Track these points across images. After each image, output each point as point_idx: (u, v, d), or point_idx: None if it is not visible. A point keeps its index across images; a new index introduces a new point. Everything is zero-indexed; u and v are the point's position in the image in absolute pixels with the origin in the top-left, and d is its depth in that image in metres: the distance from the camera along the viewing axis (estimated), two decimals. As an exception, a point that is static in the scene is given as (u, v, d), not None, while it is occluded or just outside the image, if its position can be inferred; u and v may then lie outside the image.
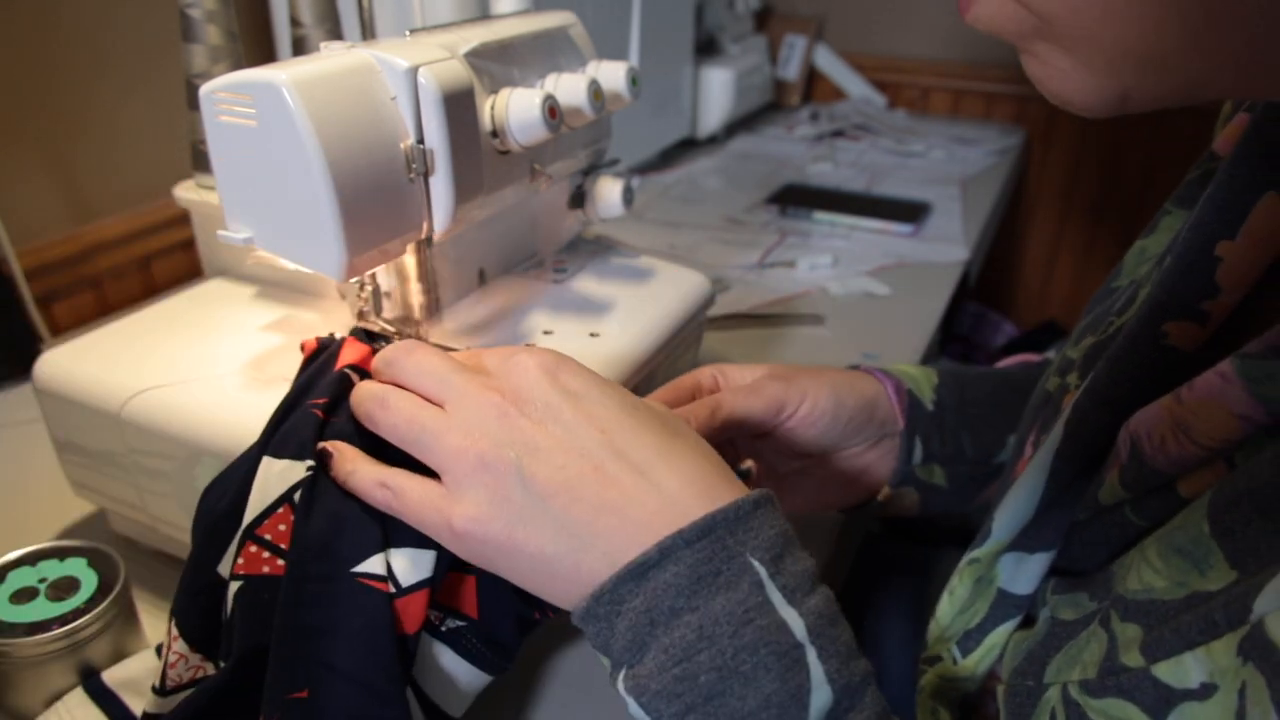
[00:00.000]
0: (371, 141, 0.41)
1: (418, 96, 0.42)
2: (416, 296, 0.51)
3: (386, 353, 0.39)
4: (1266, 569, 0.26)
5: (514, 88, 0.47)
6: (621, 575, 0.32)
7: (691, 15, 1.30)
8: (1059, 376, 0.44)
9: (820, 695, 0.30)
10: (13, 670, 0.40)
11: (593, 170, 0.60)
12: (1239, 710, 0.25)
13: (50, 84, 0.79)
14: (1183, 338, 0.35)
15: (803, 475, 0.52)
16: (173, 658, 0.39)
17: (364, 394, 0.38)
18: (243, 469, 0.38)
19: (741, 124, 1.53)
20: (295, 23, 0.62)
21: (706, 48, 1.44)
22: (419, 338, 0.50)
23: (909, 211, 1.13)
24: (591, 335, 0.53)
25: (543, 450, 0.33)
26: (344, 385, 0.40)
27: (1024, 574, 0.39)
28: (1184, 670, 0.27)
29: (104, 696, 0.41)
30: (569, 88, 0.49)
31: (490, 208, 0.49)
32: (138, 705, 0.41)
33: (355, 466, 0.36)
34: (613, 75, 0.53)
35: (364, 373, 0.41)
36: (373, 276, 0.48)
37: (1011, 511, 0.39)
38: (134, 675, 0.42)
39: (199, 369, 0.48)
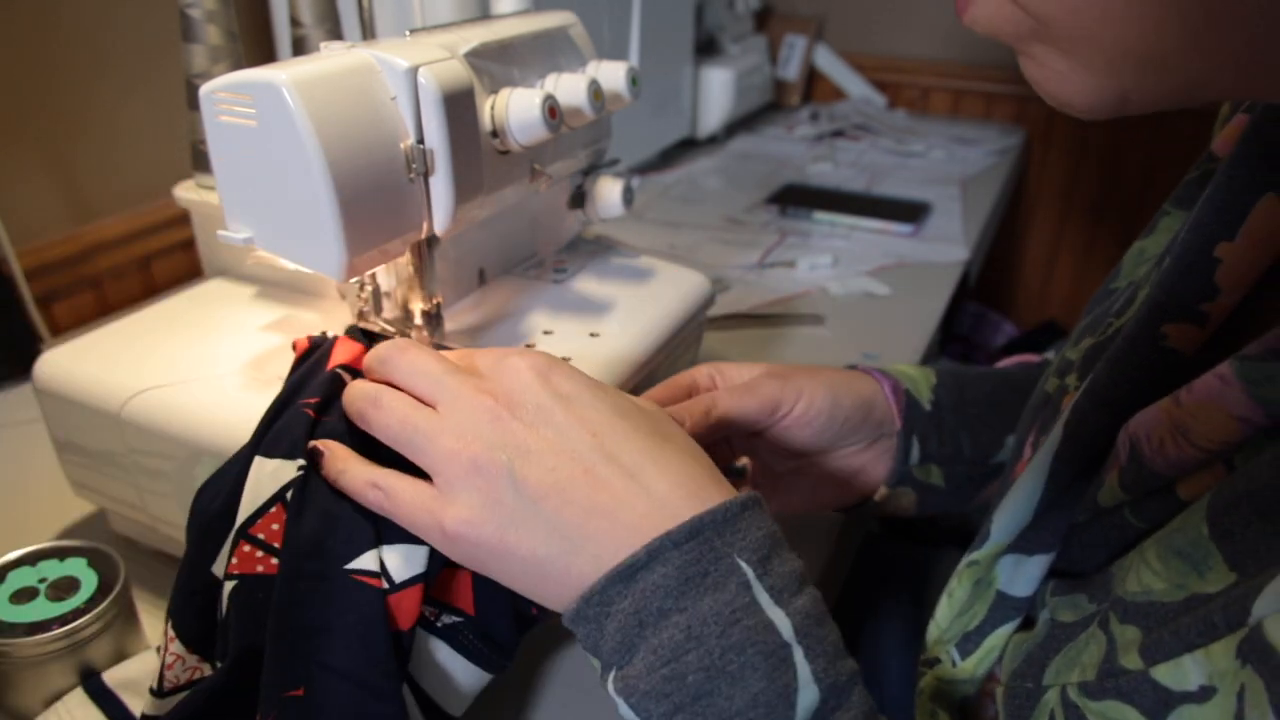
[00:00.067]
0: (371, 141, 0.41)
1: (418, 96, 0.42)
2: (416, 296, 0.51)
3: (379, 350, 0.39)
4: (1265, 571, 0.26)
5: (514, 88, 0.47)
6: (610, 577, 0.32)
7: (691, 15, 1.30)
8: (1058, 377, 0.44)
9: (807, 694, 0.30)
10: (13, 670, 0.40)
11: (593, 170, 0.60)
12: (1237, 713, 0.25)
13: (50, 84, 0.79)
14: (1182, 339, 0.35)
15: (799, 474, 0.52)
16: (170, 659, 0.39)
17: (356, 393, 0.38)
18: (235, 469, 0.39)
19: (741, 124, 1.53)
20: (295, 23, 0.62)
21: (706, 48, 1.44)
22: (419, 339, 0.50)
23: (909, 211, 1.13)
24: (591, 335, 0.53)
25: (534, 453, 0.34)
26: (336, 385, 0.40)
27: (1023, 576, 0.39)
28: (1183, 673, 0.27)
29: (104, 697, 0.41)
30: (569, 88, 0.49)
31: (490, 208, 0.49)
32: (138, 706, 0.41)
33: (346, 466, 0.37)
34: (613, 75, 0.53)
35: (356, 372, 0.41)
36: (373, 276, 0.48)
37: (1010, 513, 0.39)
38: (134, 676, 0.42)
39: (199, 369, 0.48)
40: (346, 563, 0.36)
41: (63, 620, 0.40)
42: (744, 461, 0.52)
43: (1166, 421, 0.32)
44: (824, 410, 0.48)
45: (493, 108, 0.46)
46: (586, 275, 0.60)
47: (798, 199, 1.16)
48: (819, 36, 1.68)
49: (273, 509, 0.37)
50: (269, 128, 0.39)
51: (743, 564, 0.32)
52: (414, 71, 0.42)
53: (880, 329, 0.85)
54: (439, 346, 0.48)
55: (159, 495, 0.47)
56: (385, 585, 0.36)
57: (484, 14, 0.65)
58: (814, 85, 1.71)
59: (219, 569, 0.38)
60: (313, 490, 0.37)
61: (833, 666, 0.31)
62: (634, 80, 0.54)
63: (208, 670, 0.39)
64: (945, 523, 0.74)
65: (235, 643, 0.36)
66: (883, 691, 0.56)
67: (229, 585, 0.37)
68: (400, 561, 0.36)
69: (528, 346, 0.52)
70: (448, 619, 0.38)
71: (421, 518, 0.35)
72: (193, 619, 0.39)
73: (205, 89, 0.40)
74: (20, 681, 0.41)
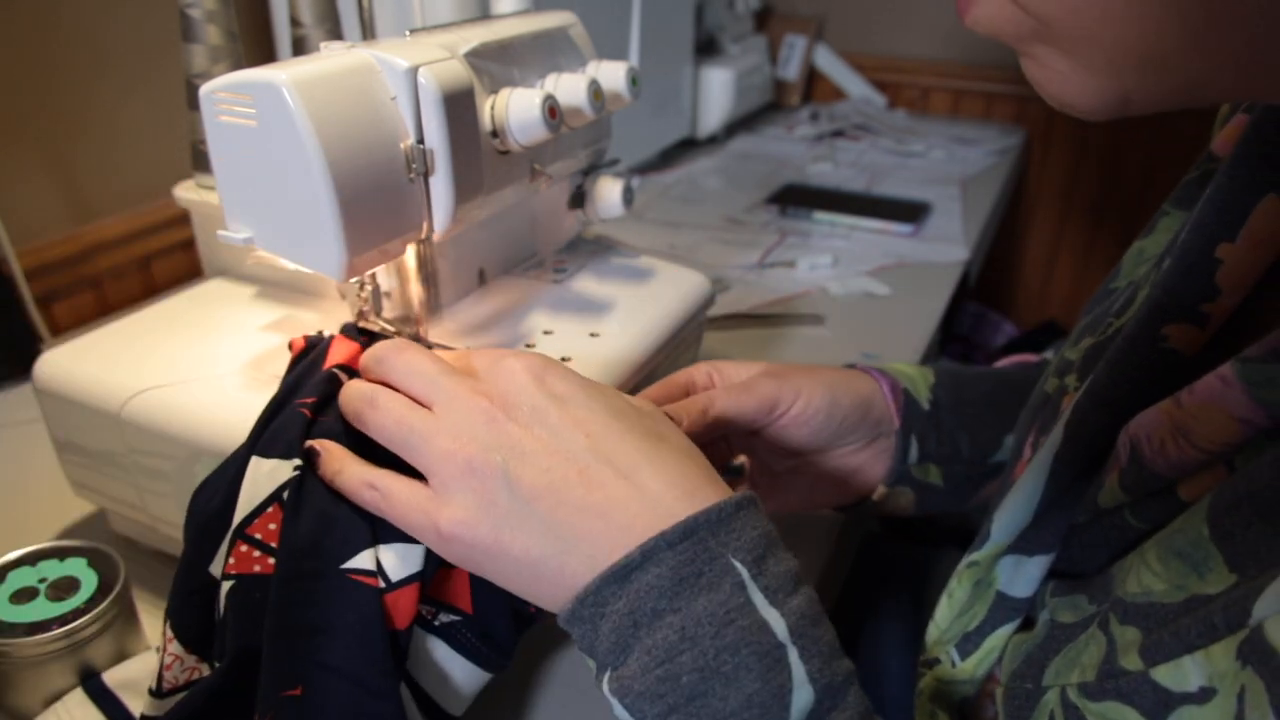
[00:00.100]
0: (371, 141, 0.41)
1: (418, 96, 0.42)
2: (416, 297, 0.51)
3: (376, 350, 0.39)
4: (1266, 573, 0.26)
5: (514, 88, 0.46)
6: (605, 577, 0.32)
7: (691, 15, 1.30)
8: (1057, 378, 0.44)
9: (802, 695, 0.30)
10: (13, 670, 0.40)
11: (593, 170, 0.60)
12: (1238, 714, 0.25)
13: (50, 84, 0.79)
14: (1182, 340, 0.35)
15: (797, 474, 0.52)
16: (168, 659, 0.39)
17: (353, 393, 0.38)
18: (232, 469, 0.39)
19: (741, 124, 1.53)
20: (295, 23, 0.62)
21: (706, 48, 1.44)
22: (419, 338, 0.50)
23: (909, 211, 1.13)
24: (591, 335, 0.53)
25: (529, 454, 0.34)
26: (333, 385, 0.40)
27: (1023, 577, 0.39)
28: (1183, 674, 0.27)
29: (103, 697, 0.41)
30: (569, 88, 0.49)
31: (490, 208, 0.49)
32: (137, 706, 0.41)
33: (343, 466, 0.37)
34: (613, 75, 0.53)
35: (352, 372, 0.41)
36: (373, 276, 0.48)
37: (1010, 514, 0.39)
38: (134, 676, 0.42)
39: (199, 369, 0.48)
40: (343, 562, 0.36)
41: (63, 620, 0.40)
42: (741, 460, 0.52)
43: (1167, 422, 0.32)
44: (822, 409, 0.48)
45: (493, 108, 0.46)
46: (586, 275, 0.60)
47: (798, 199, 1.16)
48: (819, 36, 1.68)
49: (269, 509, 0.37)
50: (269, 128, 0.39)
51: (737, 564, 0.32)
52: (414, 71, 0.42)
53: (880, 329, 0.85)
54: (437, 346, 0.48)
55: (159, 495, 0.47)
56: (381, 584, 0.36)
57: (484, 14, 0.65)
58: (814, 85, 1.71)
59: (216, 569, 0.38)
60: (309, 490, 0.37)
61: (828, 667, 0.31)
62: (634, 80, 0.54)
63: (206, 670, 0.39)
64: (945, 523, 0.74)
65: (233, 642, 0.36)
66: (883, 691, 0.56)
67: (226, 585, 0.37)
68: (396, 561, 0.36)
69: (528, 346, 0.52)
70: (446, 618, 0.38)
71: (416, 518, 0.35)
72: (191, 619, 0.39)
73: (205, 89, 0.40)
74: (20, 681, 0.41)
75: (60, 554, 0.44)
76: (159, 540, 0.52)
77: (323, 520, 0.36)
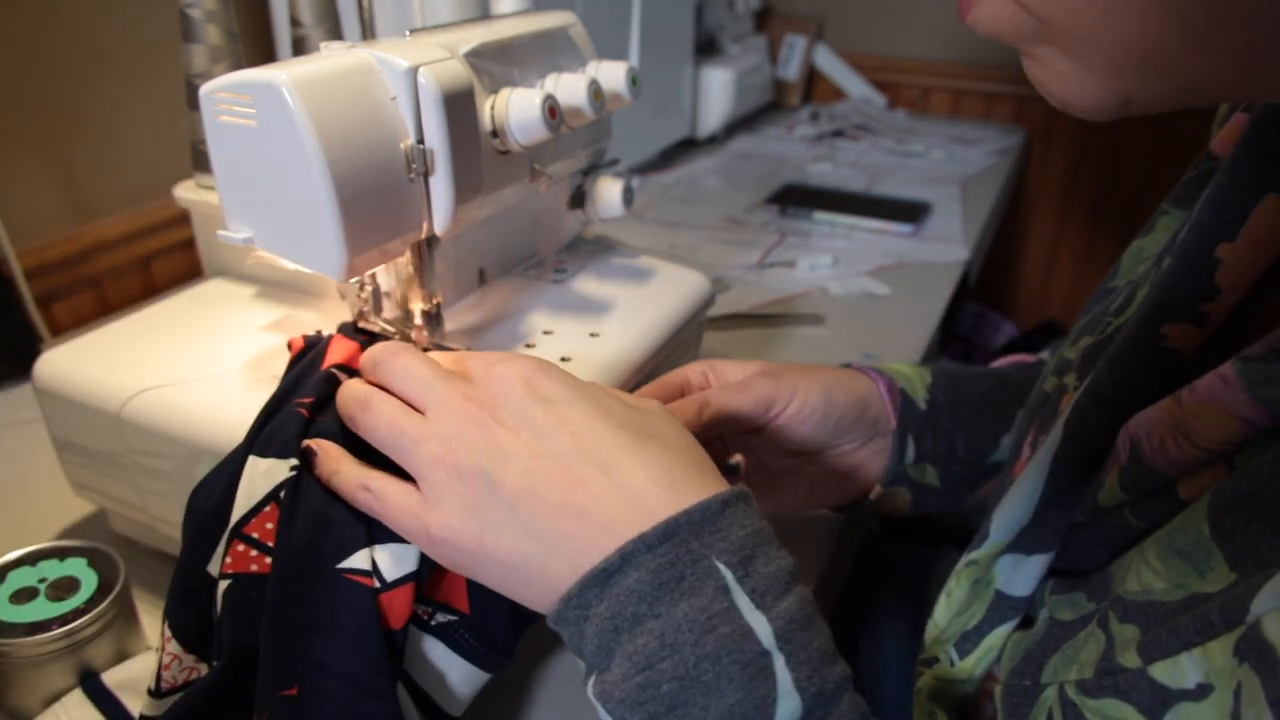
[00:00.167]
0: (371, 141, 0.41)
1: (418, 96, 0.42)
2: (416, 296, 0.51)
3: (373, 353, 0.39)
4: (1265, 571, 0.26)
5: (514, 88, 0.46)
6: (585, 580, 0.32)
7: (691, 15, 1.30)
8: (1056, 377, 0.44)
9: (787, 704, 0.30)
10: (13, 670, 0.40)
11: (593, 170, 0.60)
12: (1234, 711, 0.25)
13: (50, 84, 0.79)
14: (1182, 340, 0.35)
15: (793, 473, 0.51)
16: (166, 659, 0.39)
17: (348, 394, 0.38)
18: (230, 468, 0.39)
19: (741, 124, 1.53)
20: (295, 23, 0.62)
21: (706, 48, 1.44)
22: (418, 338, 0.50)
23: (909, 211, 1.13)
24: (591, 335, 0.53)
25: (512, 456, 0.34)
26: (330, 385, 0.40)
27: (1022, 576, 0.39)
28: (1180, 671, 0.27)
29: (102, 697, 0.41)
30: (569, 88, 0.49)
31: (490, 208, 0.49)
32: (137, 706, 0.41)
33: (339, 467, 0.37)
34: (613, 75, 0.53)
35: (352, 372, 0.41)
36: (373, 276, 0.48)
37: (1009, 513, 0.39)
38: (134, 676, 0.42)
39: (199, 369, 0.48)
40: (339, 561, 0.36)
41: (63, 620, 0.40)
42: (737, 459, 0.52)
43: (1167, 421, 0.32)
44: (818, 409, 0.48)
45: (493, 108, 0.46)
46: (586, 275, 0.60)
47: (798, 199, 1.16)
48: (819, 36, 1.68)
49: (266, 508, 0.37)
50: (269, 128, 0.39)
51: (721, 566, 0.31)
52: (414, 71, 0.42)
53: (880, 329, 0.85)
54: (438, 347, 0.48)
55: (159, 495, 0.47)
56: (377, 584, 0.36)
57: (484, 14, 0.65)
58: (814, 85, 1.71)
59: (214, 568, 0.38)
60: (305, 490, 0.37)
61: (817, 673, 0.31)
62: (634, 80, 0.54)
63: (205, 670, 0.39)
64: (944, 522, 0.74)
65: (230, 642, 0.36)
66: (883, 691, 0.56)
67: (223, 584, 0.37)
68: (391, 561, 0.37)
69: (528, 347, 0.52)
70: (442, 618, 0.38)
71: (408, 521, 0.35)
72: (189, 619, 0.39)
73: (205, 89, 0.40)
74: (20, 681, 0.41)
75: (60, 554, 0.44)
76: (159, 540, 0.52)
77: (319, 520, 0.36)
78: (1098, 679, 0.31)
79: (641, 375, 0.54)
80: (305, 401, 0.39)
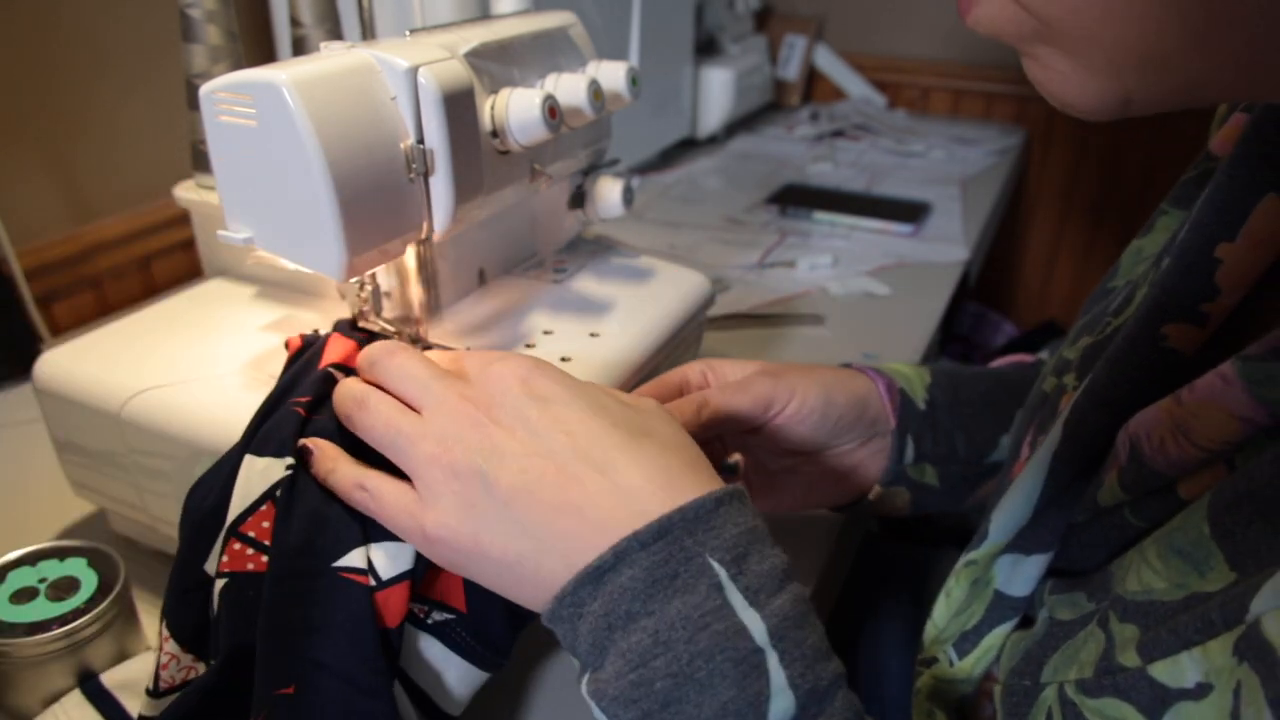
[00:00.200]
0: (371, 141, 0.41)
1: (418, 96, 0.42)
2: (416, 296, 0.51)
3: (370, 352, 0.39)
4: (1265, 570, 0.26)
5: (514, 88, 0.47)
6: (580, 579, 0.32)
7: (691, 15, 1.30)
8: (1055, 377, 0.44)
9: (781, 701, 0.30)
10: (13, 670, 0.40)
11: (593, 170, 0.60)
12: (1233, 710, 0.25)
13: (50, 84, 0.79)
14: (1182, 340, 0.35)
15: (792, 473, 0.51)
16: (164, 659, 0.39)
17: (344, 393, 0.39)
18: (226, 467, 0.39)
19: (741, 124, 1.53)
20: (295, 23, 0.62)
21: (706, 48, 1.44)
22: (418, 338, 0.50)
23: (909, 211, 1.13)
24: (591, 335, 0.53)
25: (508, 456, 0.34)
26: (327, 384, 0.41)
27: (1021, 576, 0.39)
28: (1180, 670, 0.27)
29: (101, 698, 0.41)
30: (569, 88, 0.49)
31: (490, 208, 0.49)
32: (135, 707, 0.41)
33: (335, 465, 0.37)
34: (613, 75, 0.53)
35: (349, 370, 0.42)
36: (373, 276, 0.48)
37: (1009, 513, 0.39)
38: (132, 677, 0.42)
39: (199, 369, 0.48)
40: (335, 560, 0.36)
41: (63, 620, 0.40)
42: (736, 458, 0.52)
43: (1167, 421, 0.32)
44: (817, 408, 0.48)
45: (493, 108, 0.46)
46: (586, 275, 0.60)
47: (798, 199, 1.16)
48: (819, 36, 1.68)
49: (263, 506, 0.37)
50: (269, 128, 0.39)
51: (714, 564, 0.31)
52: (414, 71, 0.42)
53: (880, 329, 0.85)
54: (436, 346, 0.48)
55: (159, 495, 0.47)
56: (372, 582, 0.36)
57: (484, 14, 0.65)
58: (814, 85, 1.71)
59: (211, 567, 0.38)
60: (301, 489, 0.37)
61: (811, 671, 0.30)
62: (634, 80, 0.54)
63: (202, 669, 0.39)
64: (944, 523, 0.74)
65: (226, 640, 0.36)
66: (883, 691, 0.56)
67: (220, 583, 0.37)
68: (386, 559, 0.37)
69: (528, 347, 0.52)
70: (439, 616, 0.38)
71: (404, 520, 0.35)
72: (187, 618, 0.39)
73: (205, 89, 0.40)
74: (20, 681, 0.41)
75: (60, 554, 0.44)
76: (159, 540, 0.52)
77: (315, 519, 0.37)
78: (1097, 678, 0.31)
79: (641, 375, 0.54)
80: (302, 401, 0.39)
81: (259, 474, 0.38)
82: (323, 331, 0.46)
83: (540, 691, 0.46)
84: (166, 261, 0.91)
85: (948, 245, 1.05)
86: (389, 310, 0.51)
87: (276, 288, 0.57)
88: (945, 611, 0.42)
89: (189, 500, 0.40)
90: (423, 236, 0.46)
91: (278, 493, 0.37)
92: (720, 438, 0.51)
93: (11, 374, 0.71)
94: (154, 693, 0.39)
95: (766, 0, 1.69)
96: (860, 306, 0.90)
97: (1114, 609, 0.32)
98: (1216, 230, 0.35)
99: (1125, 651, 0.30)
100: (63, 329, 0.81)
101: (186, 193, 0.60)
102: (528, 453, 0.34)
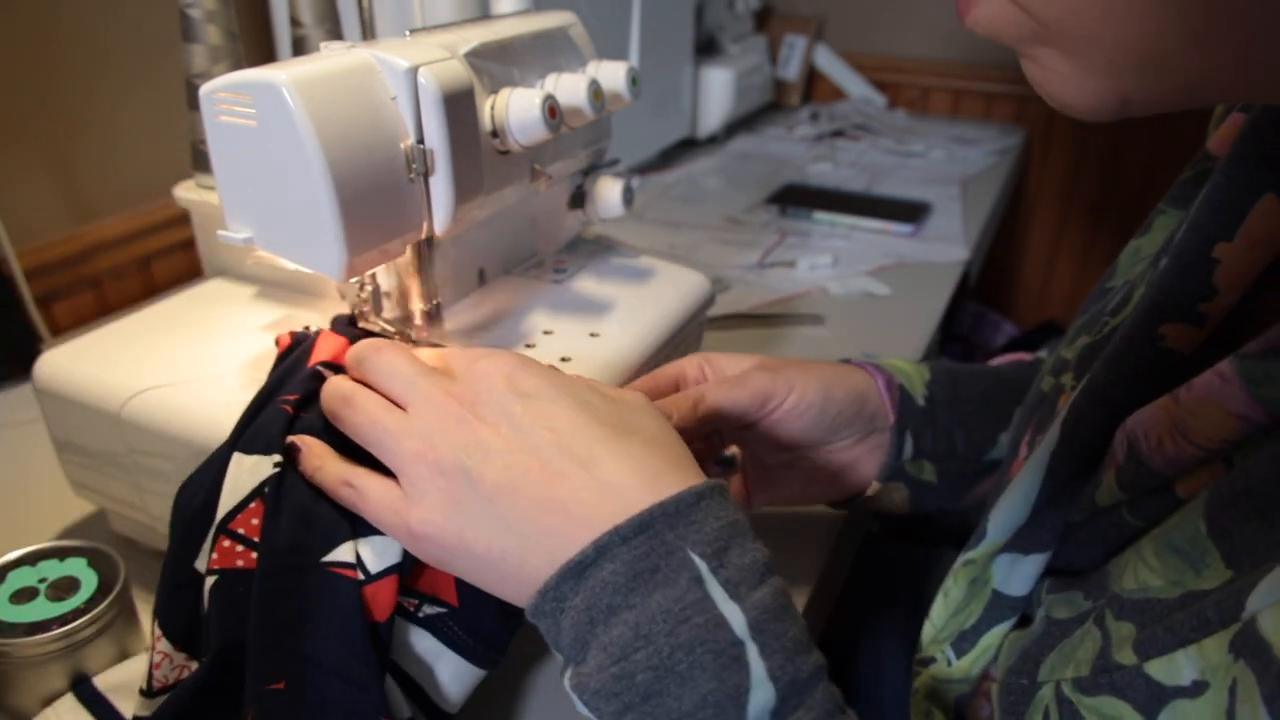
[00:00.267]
0: (371, 141, 0.41)
1: (418, 96, 0.42)
2: (416, 296, 0.51)
3: (357, 350, 0.39)
4: (1261, 568, 0.26)
5: (514, 88, 0.47)
6: (562, 573, 0.32)
7: (691, 15, 1.30)
8: (1053, 376, 0.44)
9: (761, 693, 0.30)
10: (12, 670, 0.40)
11: (593, 170, 0.60)
12: (1229, 707, 0.25)
13: (50, 84, 0.79)
14: (1180, 340, 0.35)
15: (790, 468, 0.51)
16: (157, 658, 0.39)
17: (331, 391, 0.39)
18: (215, 465, 0.39)
19: (741, 124, 1.53)
20: (295, 23, 0.62)
21: (706, 48, 1.44)
22: (418, 338, 0.50)
23: (909, 211, 1.13)
24: (591, 335, 0.53)
25: (492, 452, 0.34)
26: (316, 382, 0.41)
27: (1019, 575, 0.39)
28: (1176, 668, 0.27)
29: (95, 702, 0.41)
30: (569, 88, 0.49)
31: (490, 208, 0.49)
32: (129, 709, 0.41)
33: (322, 463, 0.37)
34: (613, 75, 0.53)
35: (339, 368, 0.42)
36: (373, 276, 0.48)
37: (1007, 512, 0.39)
38: (126, 679, 0.42)
39: (199, 369, 0.48)
40: (323, 555, 0.36)
41: (62, 620, 0.40)
42: (733, 451, 0.52)
43: (1165, 419, 0.32)
44: (815, 404, 0.48)
45: (493, 108, 0.46)
46: (586, 275, 0.60)
47: (798, 199, 1.16)
48: (819, 36, 1.68)
49: (252, 504, 0.38)
50: (269, 128, 0.39)
51: (695, 557, 0.31)
52: (414, 71, 0.42)
53: (880, 329, 0.85)
54: (428, 344, 0.48)
55: (159, 495, 0.47)
56: (361, 577, 0.36)
57: (484, 14, 0.65)
58: (814, 85, 1.71)
59: (201, 564, 0.38)
60: (290, 486, 0.38)
61: (791, 663, 0.31)
62: (634, 80, 0.54)
63: (195, 668, 0.39)
64: (944, 522, 0.74)
65: (217, 638, 0.37)
66: (882, 691, 0.56)
67: (210, 580, 0.37)
68: (374, 554, 0.37)
69: (527, 347, 0.52)
70: (430, 610, 0.38)
71: (389, 517, 0.35)
72: (179, 617, 0.39)
73: (205, 89, 0.40)
74: (20, 681, 0.41)
75: (60, 554, 0.44)
76: (159, 540, 0.52)
77: (304, 516, 0.37)
78: (1094, 676, 0.31)
79: (641, 375, 0.54)
80: (290, 398, 0.40)
81: (247, 471, 0.38)
82: (314, 329, 0.46)
83: (536, 692, 0.46)
84: (166, 261, 0.91)
85: (948, 245, 1.05)
86: (389, 310, 0.51)
87: (276, 288, 0.57)
88: (943, 611, 0.42)
89: (179, 498, 0.40)
90: (423, 236, 0.46)
91: (266, 490, 0.37)
92: (718, 432, 0.51)
93: (11, 374, 0.71)
94: (147, 693, 0.39)
95: (766, 0, 1.69)
96: (860, 306, 0.90)
97: (1110, 607, 0.32)
98: (1214, 230, 0.35)
99: (1122, 650, 0.30)
100: (63, 329, 0.81)
101: (186, 193, 0.60)
102: (512, 449, 0.34)
